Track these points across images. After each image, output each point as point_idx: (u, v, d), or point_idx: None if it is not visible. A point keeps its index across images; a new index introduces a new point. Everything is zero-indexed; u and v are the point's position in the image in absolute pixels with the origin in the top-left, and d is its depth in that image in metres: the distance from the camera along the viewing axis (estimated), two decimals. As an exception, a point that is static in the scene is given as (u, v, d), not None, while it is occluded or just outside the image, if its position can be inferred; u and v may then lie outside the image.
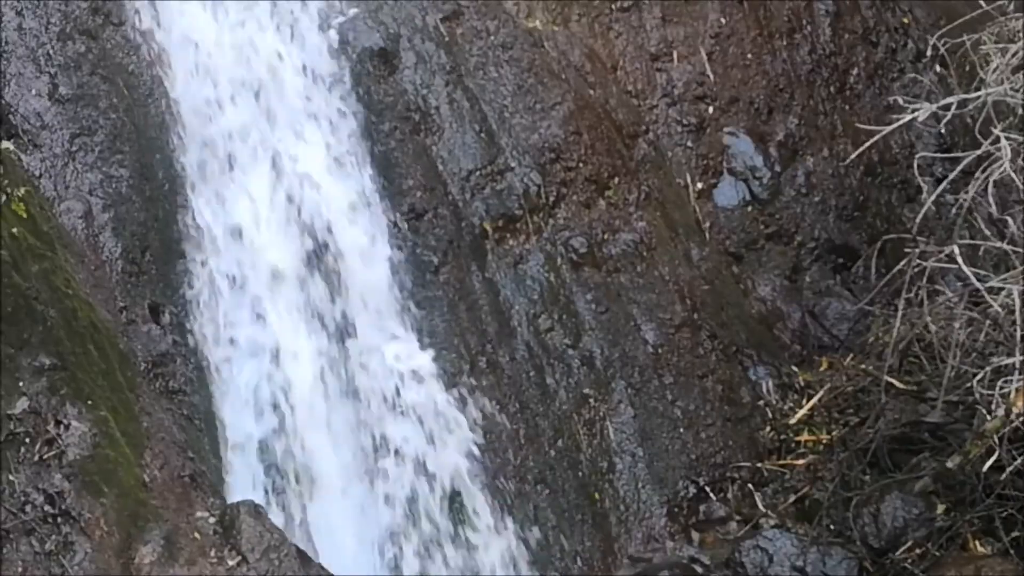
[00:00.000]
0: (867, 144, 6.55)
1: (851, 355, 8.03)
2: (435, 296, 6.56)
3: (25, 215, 4.85)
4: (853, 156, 7.39)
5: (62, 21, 6.15)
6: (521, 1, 7.82)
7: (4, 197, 4.71)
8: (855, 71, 9.09)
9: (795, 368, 7.92)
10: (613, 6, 8.28)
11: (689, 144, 8.35)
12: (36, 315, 4.61)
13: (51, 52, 6.06)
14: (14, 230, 4.68)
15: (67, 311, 4.73)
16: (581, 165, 7.31)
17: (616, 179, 7.45)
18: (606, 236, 7.20)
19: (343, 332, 6.20)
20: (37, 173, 5.73)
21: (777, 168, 8.63)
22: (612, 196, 7.38)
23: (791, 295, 8.36)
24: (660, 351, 7.07)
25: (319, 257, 6.27)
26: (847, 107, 9.02)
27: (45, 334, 4.56)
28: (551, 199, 7.14)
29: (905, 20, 9.47)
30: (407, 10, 7.16)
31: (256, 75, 6.55)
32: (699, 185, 8.31)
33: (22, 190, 4.88)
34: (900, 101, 6.43)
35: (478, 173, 7.01)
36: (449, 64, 7.12)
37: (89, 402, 4.60)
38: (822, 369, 8.01)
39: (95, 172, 5.91)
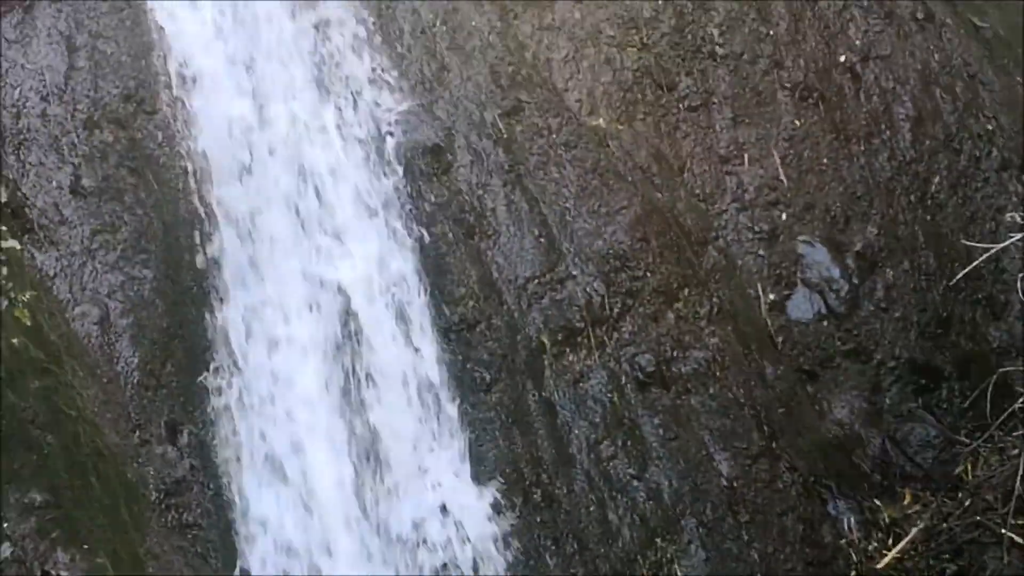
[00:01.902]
0: (978, 262, 5.93)
1: (938, 489, 7.31)
2: (486, 418, 5.95)
3: (30, 323, 4.30)
4: (961, 275, 6.75)
5: (90, 108, 5.83)
6: (584, 98, 7.44)
7: (6, 303, 4.12)
8: (937, 179, 8.59)
9: (877, 501, 7.22)
10: (681, 105, 7.89)
11: (761, 252, 7.86)
12: (31, 441, 4.02)
13: (76, 141, 5.73)
14: (15, 340, 4.12)
15: (68, 436, 4.14)
16: (648, 275, 6.77)
17: (686, 290, 6.89)
18: (675, 353, 6.62)
19: (378, 458, 5.57)
20: (51, 273, 5.29)
21: (855, 280, 8.11)
22: (682, 309, 6.80)
23: (870, 419, 7.76)
24: (735, 485, 6.43)
25: (356, 372, 5.70)
26: (929, 217, 8.50)
27: (39, 465, 3.96)
28: (615, 311, 6.58)
29: (989, 127, 8.97)
30: (464, 105, 6.76)
31: (296, 170, 6.04)
32: (771, 296, 7.79)
33: (28, 295, 4.31)
34: (1017, 218, 5.82)
35: (536, 281, 6.50)
36: (507, 163, 6.68)
37: (85, 547, 3.98)
38: (906, 503, 7.32)
39: (115, 273, 5.52)
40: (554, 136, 7.00)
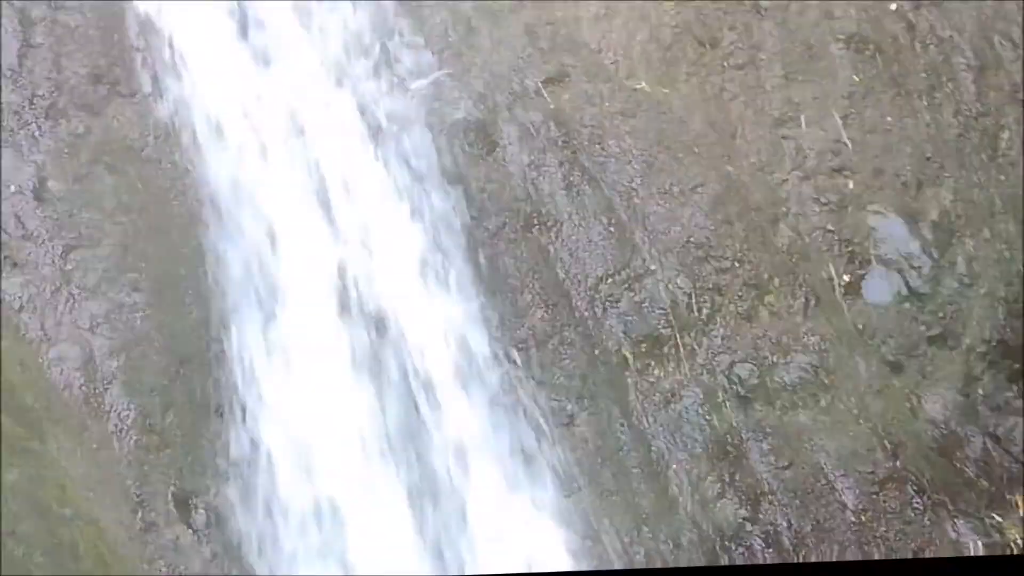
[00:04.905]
0: None
1: (1053, 491, 6.41)
2: (571, 459, 4.89)
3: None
4: None
5: (52, 93, 4.89)
6: (620, 60, 6.60)
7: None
8: (1006, 135, 7.81)
9: (997, 517, 6.28)
10: (725, 63, 6.99)
11: (830, 227, 6.98)
12: (15, 565, 2.81)
13: (37, 134, 4.75)
14: (-21, 415, 2.92)
15: (62, 550, 2.95)
16: (736, 264, 5.83)
17: (776, 280, 5.90)
18: (776, 359, 5.64)
19: (446, 511, 4.51)
20: (16, 305, 4.27)
21: (934, 254, 7.20)
22: (774, 303, 5.85)
23: (967, 414, 6.85)
24: (863, 518, 5.45)
25: (405, 409, 4.64)
26: (1003, 177, 7.70)
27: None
28: (704, 312, 5.60)
29: (1053, 74, 8.14)
30: (500, 71, 5.76)
31: (314, 155, 4.97)
32: (846, 278, 6.87)
33: (-9, 343, 3.16)
34: None
35: (610, 280, 5.56)
36: (560, 138, 5.65)
37: None
38: (1022, 514, 6.39)
39: (98, 300, 4.55)
40: (607, 104, 6.08)
